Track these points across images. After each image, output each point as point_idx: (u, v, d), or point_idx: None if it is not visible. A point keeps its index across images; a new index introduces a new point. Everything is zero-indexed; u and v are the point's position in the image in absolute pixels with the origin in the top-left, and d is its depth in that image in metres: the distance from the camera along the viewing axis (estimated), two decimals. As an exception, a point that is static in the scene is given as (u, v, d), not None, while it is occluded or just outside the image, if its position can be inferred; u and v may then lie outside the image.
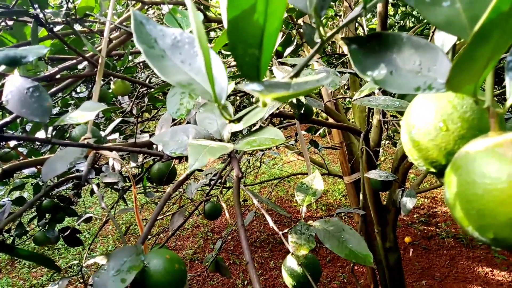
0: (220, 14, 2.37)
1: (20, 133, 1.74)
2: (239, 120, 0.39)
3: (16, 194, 2.09)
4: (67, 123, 0.50)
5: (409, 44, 0.30)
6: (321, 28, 0.30)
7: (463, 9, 0.24)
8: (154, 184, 2.36)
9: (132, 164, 1.46)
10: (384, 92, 1.19)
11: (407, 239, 3.20)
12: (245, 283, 2.87)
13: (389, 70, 0.30)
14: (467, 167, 0.25)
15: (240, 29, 0.24)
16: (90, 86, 2.09)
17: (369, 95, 0.95)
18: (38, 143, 1.83)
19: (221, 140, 0.67)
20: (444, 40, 0.35)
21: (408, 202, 1.40)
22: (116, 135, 1.39)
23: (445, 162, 0.33)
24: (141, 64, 2.22)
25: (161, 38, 0.32)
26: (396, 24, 2.97)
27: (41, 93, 0.56)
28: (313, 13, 0.29)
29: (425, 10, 0.26)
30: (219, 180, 1.77)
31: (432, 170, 0.34)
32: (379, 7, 1.73)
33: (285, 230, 0.83)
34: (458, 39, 0.35)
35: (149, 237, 3.12)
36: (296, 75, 0.31)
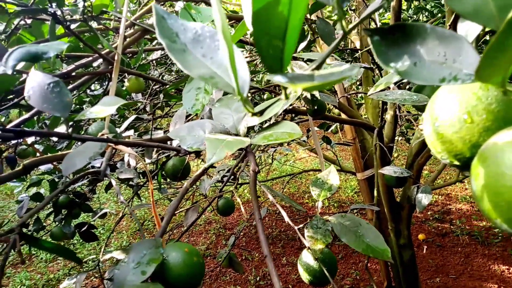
0: (232, 11, 2.37)
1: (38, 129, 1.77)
2: (261, 113, 0.39)
3: (33, 190, 2.13)
4: (88, 117, 0.51)
5: (433, 35, 0.30)
6: (343, 21, 0.30)
7: (492, -2, 0.24)
8: (168, 180, 2.38)
9: (147, 160, 1.47)
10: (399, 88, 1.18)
11: (421, 236, 3.16)
12: (257, 279, 2.88)
13: (413, 61, 0.30)
14: (495, 158, 0.24)
15: (264, 21, 0.24)
16: (104, 83, 2.12)
17: (384, 89, 0.94)
18: (54, 140, 1.86)
19: (237, 135, 0.67)
20: (468, 30, 0.34)
21: (424, 199, 1.38)
22: (131, 132, 1.41)
23: (469, 155, 0.33)
24: (154, 61, 2.23)
25: (183, 32, 0.32)
26: (409, 18, 2.93)
27: (62, 88, 0.57)
28: (336, 4, 0.29)
29: (451, 0, 0.25)
30: (232, 177, 1.78)
31: (456, 163, 0.34)
32: (393, 1, 1.71)
33: (300, 226, 0.83)
34: (483, 29, 0.34)
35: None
36: (318, 68, 0.30)
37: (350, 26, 0.31)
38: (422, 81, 0.29)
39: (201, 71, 0.30)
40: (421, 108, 1.09)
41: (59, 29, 1.07)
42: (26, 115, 0.93)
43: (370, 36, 0.31)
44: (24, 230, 2.00)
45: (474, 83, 0.32)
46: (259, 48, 0.25)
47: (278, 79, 0.23)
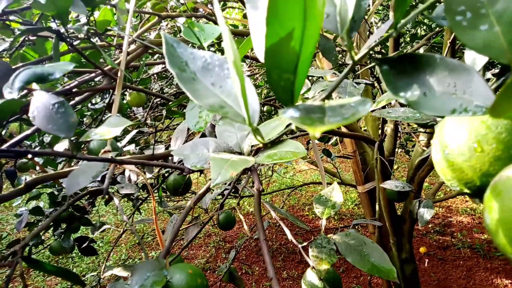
0: (232, 25, 2.39)
1: (38, 144, 1.76)
2: (272, 144, 0.39)
3: (33, 203, 2.12)
4: (92, 138, 0.51)
5: (442, 65, 0.30)
6: (352, 51, 0.30)
7: (502, 33, 0.24)
8: (168, 194, 2.37)
9: (148, 175, 1.47)
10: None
11: (422, 250, 3.14)
12: (258, 293, 2.84)
13: (423, 91, 0.30)
14: (509, 192, 0.24)
15: (277, 55, 0.24)
16: (105, 97, 2.13)
17: (386, 105, 0.95)
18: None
19: (240, 153, 0.67)
20: (476, 58, 0.34)
21: (426, 213, 1.38)
22: (132, 146, 1.41)
23: (480, 184, 0.32)
24: (155, 75, 2.25)
25: (192, 61, 0.32)
26: (407, 32, 2.96)
27: (66, 108, 0.57)
28: (345, 35, 0.29)
29: (462, 33, 0.26)
30: (233, 190, 1.77)
31: (466, 191, 0.34)
32: (391, 16, 1.72)
33: (304, 244, 0.82)
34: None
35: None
36: (328, 97, 0.31)
37: (359, 55, 0.31)
38: (432, 111, 0.29)
39: (211, 101, 0.30)
40: (423, 125, 1.09)
41: (62, 46, 1.08)
42: (28, 131, 0.93)
43: (378, 65, 0.31)
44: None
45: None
46: (270, 81, 0.25)
47: (290, 114, 0.23)
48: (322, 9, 0.22)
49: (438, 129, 0.36)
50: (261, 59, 0.27)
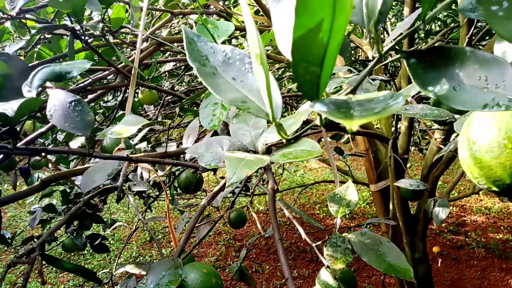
0: (243, 22, 2.39)
1: (51, 142, 1.78)
2: (295, 139, 0.38)
3: (46, 201, 2.15)
4: (109, 137, 0.51)
5: (473, 58, 0.28)
6: (379, 44, 0.29)
7: (542, 23, 0.23)
8: (179, 191, 2.38)
9: (160, 173, 1.47)
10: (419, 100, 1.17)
11: (435, 249, 3.10)
12: (268, 291, 2.84)
13: (452, 85, 0.29)
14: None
15: (304, 48, 0.23)
16: (117, 94, 2.14)
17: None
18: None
19: (255, 152, 0.67)
20: (506, 51, 0.33)
21: (441, 213, 1.35)
22: (144, 144, 1.41)
23: (509, 181, 0.31)
24: (166, 73, 2.25)
25: (212, 55, 0.32)
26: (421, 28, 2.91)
27: (83, 107, 0.57)
28: (373, 28, 0.28)
29: (497, 24, 0.24)
30: (244, 188, 1.76)
31: (495, 189, 0.33)
32: (406, 11, 1.70)
33: (318, 243, 0.81)
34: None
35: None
36: (353, 91, 0.30)
37: (385, 48, 0.30)
38: (462, 106, 0.28)
39: (233, 95, 0.29)
40: (441, 122, 1.07)
41: (76, 44, 1.09)
42: (42, 129, 0.93)
43: (406, 58, 0.30)
44: (36, 241, 2.02)
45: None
46: (296, 74, 0.25)
47: (318, 108, 0.22)
48: (351, 0, 0.22)
49: (465, 125, 0.35)
50: (285, 52, 0.26)
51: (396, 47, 0.30)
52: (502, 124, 0.31)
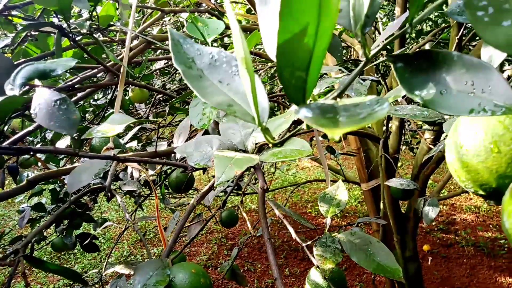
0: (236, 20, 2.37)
1: (40, 140, 1.76)
2: (281, 143, 0.37)
3: (35, 200, 2.12)
4: (95, 136, 0.50)
5: (460, 63, 0.28)
6: (366, 48, 0.29)
7: (527, 28, 0.23)
8: (170, 190, 2.37)
9: (150, 172, 1.46)
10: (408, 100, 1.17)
11: (425, 247, 3.13)
12: (260, 290, 2.85)
13: (439, 90, 0.29)
14: (533, 196, 0.23)
15: (289, 52, 0.23)
16: (108, 92, 2.12)
17: (393, 103, 0.93)
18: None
19: (245, 151, 0.66)
20: (493, 55, 0.33)
21: (431, 212, 1.36)
22: (134, 143, 1.40)
23: (496, 185, 0.31)
24: (157, 71, 2.23)
25: (199, 57, 0.31)
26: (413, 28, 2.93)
27: (69, 105, 0.56)
28: (359, 32, 0.28)
29: (483, 30, 0.24)
30: (235, 187, 1.75)
31: (481, 192, 0.33)
32: (397, 11, 1.70)
33: (308, 242, 0.81)
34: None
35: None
36: (340, 95, 0.29)
37: (372, 51, 0.30)
38: (449, 111, 0.28)
39: (219, 99, 0.29)
40: (431, 123, 1.08)
41: (65, 42, 1.07)
42: (30, 128, 0.92)
43: (393, 62, 0.30)
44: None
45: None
46: (281, 79, 0.24)
47: (303, 114, 0.22)
48: (337, 4, 0.21)
49: (452, 129, 0.35)
50: (272, 56, 0.26)
51: (388, 47, 0.30)
52: (488, 129, 0.32)
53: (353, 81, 0.29)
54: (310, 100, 0.27)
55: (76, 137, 1.62)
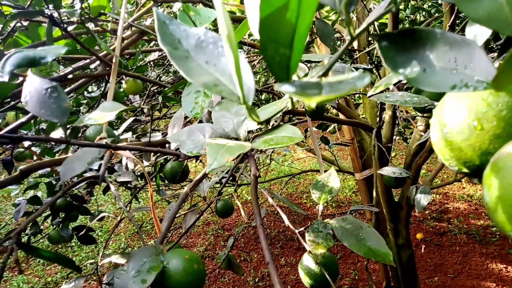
0: (229, 12, 2.36)
1: (34, 133, 1.75)
2: (267, 122, 0.38)
3: (31, 193, 2.11)
4: (86, 123, 0.50)
5: (443, 40, 0.29)
6: (350, 26, 0.29)
7: (507, 3, 0.23)
8: (166, 182, 2.37)
9: (145, 163, 1.46)
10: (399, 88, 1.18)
11: (419, 236, 3.17)
12: (256, 280, 2.87)
13: (422, 67, 0.29)
14: (509, 169, 0.24)
15: (272, 27, 0.23)
16: (102, 85, 2.11)
17: (384, 90, 0.94)
18: (52, 143, 1.84)
19: (237, 139, 0.67)
20: (477, 34, 0.34)
21: (423, 199, 1.38)
22: (129, 134, 1.40)
23: (479, 163, 0.32)
24: (151, 62, 2.22)
25: (185, 38, 0.31)
26: (406, 18, 2.93)
27: (60, 93, 0.56)
28: (344, 9, 0.28)
29: (464, 5, 0.25)
30: (231, 178, 1.76)
31: (465, 170, 0.33)
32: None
33: (301, 229, 0.82)
34: (492, 32, 0.34)
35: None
36: (325, 74, 0.30)
37: (358, 30, 0.30)
38: (432, 88, 0.28)
39: (205, 79, 0.29)
40: (421, 109, 1.09)
41: (56, 31, 1.06)
42: (23, 119, 0.91)
43: (378, 41, 0.30)
44: (22, 234, 1.99)
45: (483, 89, 0.31)
46: (265, 56, 0.25)
47: (286, 89, 0.22)
48: (318, -21, 0.21)
49: (437, 108, 0.36)
50: (256, 33, 0.26)
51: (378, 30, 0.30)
52: (472, 107, 0.32)
53: (337, 60, 0.30)
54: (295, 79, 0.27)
55: (69, 127, 1.62)
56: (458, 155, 0.33)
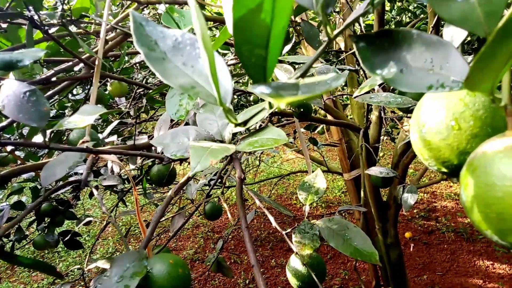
0: (216, 13, 2.35)
1: (18, 137, 1.72)
2: (245, 123, 0.37)
3: (15, 198, 2.07)
4: (66, 127, 0.49)
5: (420, 41, 0.29)
6: (328, 27, 0.29)
7: (479, 4, 0.24)
8: (153, 185, 2.34)
9: (131, 166, 1.45)
10: (385, 89, 1.19)
11: (407, 235, 3.20)
12: (247, 282, 2.86)
13: (399, 68, 0.29)
14: (485, 168, 0.24)
15: (246, 29, 0.23)
16: (87, 88, 2.08)
17: (369, 91, 0.94)
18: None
19: (222, 141, 0.66)
20: (454, 35, 0.34)
21: (410, 198, 1.39)
22: (114, 137, 1.38)
23: (457, 162, 0.32)
24: (137, 64, 2.20)
25: (162, 40, 0.31)
26: (392, 19, 2.96)
27: (38, 97, 0.54)
28: (320, 11, 0.28)
29: (438, 6, 0.25)
30: (219, 180, 1.75)
31: (444, 170, 0.33)
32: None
33: (288, 230, 0.82)
34: (469, 33, 0.34)
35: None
36: (303, 75, 0.29)
37: (336, 31, 0.30)
38: (409, 88, 0.28)
39: (182, 81, 0.29)
40: (405, 110, 1.10)
41: (37, 34, 1.04)
42: (3, 123, 0.90)
43: (355, 42, 0.30)
44: (5, 240, 1.95)
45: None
46: (241, 57, 0.24)
47: (260, 90, 0.22)
48: (292, -21, 0.21)
49: (416, 109, 0.36)
50: (232, 33, 0.25)
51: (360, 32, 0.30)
52: (449, 107, 0.32)
53: (315, 61, 0.29)
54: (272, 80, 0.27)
55: (52, 132, 1.59)
56: (436, 155, 0.33)
